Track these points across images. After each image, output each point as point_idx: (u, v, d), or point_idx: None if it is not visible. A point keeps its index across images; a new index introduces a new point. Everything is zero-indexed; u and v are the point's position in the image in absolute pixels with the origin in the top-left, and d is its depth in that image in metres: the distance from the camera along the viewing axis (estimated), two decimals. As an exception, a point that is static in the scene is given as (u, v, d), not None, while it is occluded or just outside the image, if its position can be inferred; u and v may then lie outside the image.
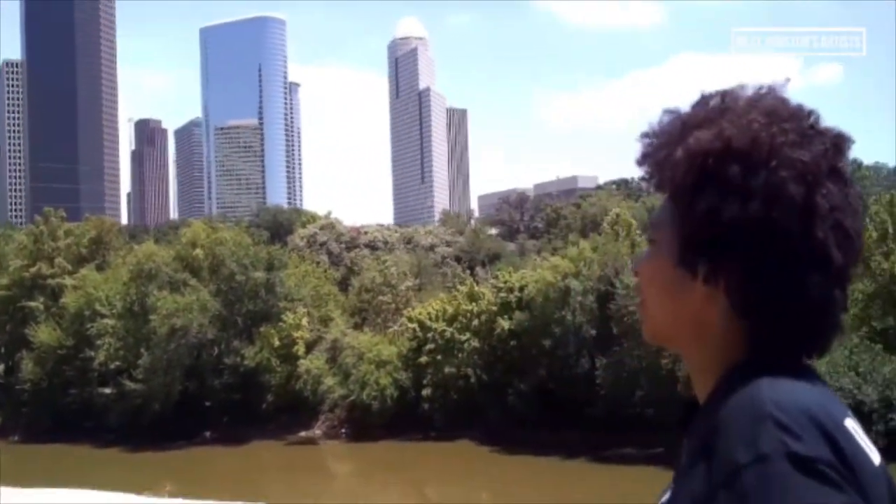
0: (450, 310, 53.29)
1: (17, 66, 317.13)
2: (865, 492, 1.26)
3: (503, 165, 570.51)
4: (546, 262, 55.39)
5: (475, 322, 52.11)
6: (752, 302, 1.42)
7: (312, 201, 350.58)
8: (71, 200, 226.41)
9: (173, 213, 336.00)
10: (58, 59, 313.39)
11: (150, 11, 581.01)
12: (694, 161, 1.45)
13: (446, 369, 51.07)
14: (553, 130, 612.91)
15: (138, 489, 38.69)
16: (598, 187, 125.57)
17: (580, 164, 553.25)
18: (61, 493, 36.04)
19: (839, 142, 1.47)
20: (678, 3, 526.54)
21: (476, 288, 55.07)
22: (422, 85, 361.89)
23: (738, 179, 1.40)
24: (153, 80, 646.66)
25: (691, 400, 1.56)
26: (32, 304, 62.43)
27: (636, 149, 1.62)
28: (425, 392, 51.38)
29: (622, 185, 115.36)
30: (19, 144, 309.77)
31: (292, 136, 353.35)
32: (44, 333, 59.03)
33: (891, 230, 43.70)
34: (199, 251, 59.20)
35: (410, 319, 54.14)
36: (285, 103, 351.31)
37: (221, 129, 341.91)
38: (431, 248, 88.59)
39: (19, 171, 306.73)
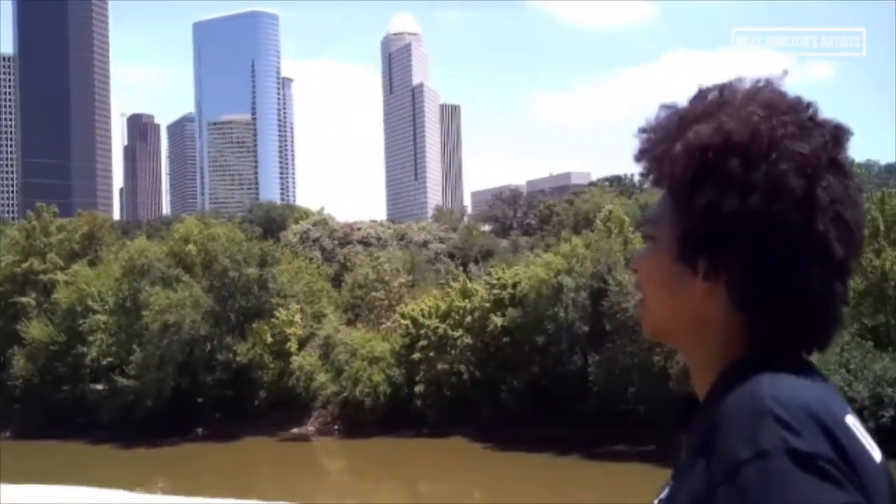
0: (443, 306, 53.28)
1: (9, 62, 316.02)
2: (866, 489, 1.26)
3: (496, 162, 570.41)
4: (539, 258, 55.43)
5: (468, 319, 52.12)
6: (753, 296, 1.42)
7: (305, 197, 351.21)
8: (63, 196, 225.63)
9: (166, 209, 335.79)
10: (50, 55, 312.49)
11: (142, 6, 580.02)
12: (693, 155, 1.44)
13: (439, 366, 51.07)
14: (546, 127, 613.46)
15: (130, 485, 38.62)
16: (591, 184, 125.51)
17: (573, 161, 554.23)
18: (53, 489, 35.92)
19: (838, 133, 1.47)
20: (671, 0, 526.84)
21: (469, 284, 55.07)
22: (415, 81, 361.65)
23: (738, 173, 1.40)
24: (146, 75, 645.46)
25: (690, 396, 1.55)
26: (24, 299, 62.19)
27: (633, 144, 1.61)
28: (418, 389, 51.38)
29: (615, 181, 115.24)
30: (11, 140, 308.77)
31: (285, 131, 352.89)
32: (35, 329, 58.83)
33: (882, 227, 43.83)
34: (191, 247, 59.09)
35: (403, 316, 54.12)
36: (278, 98, 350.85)
37: (214, 124, 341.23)
38: (424, 244, 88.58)
39: (11, 166, 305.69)
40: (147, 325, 54.33)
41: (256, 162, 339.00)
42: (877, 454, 1.35)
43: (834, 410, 1.33)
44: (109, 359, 55.48)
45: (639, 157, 1.60)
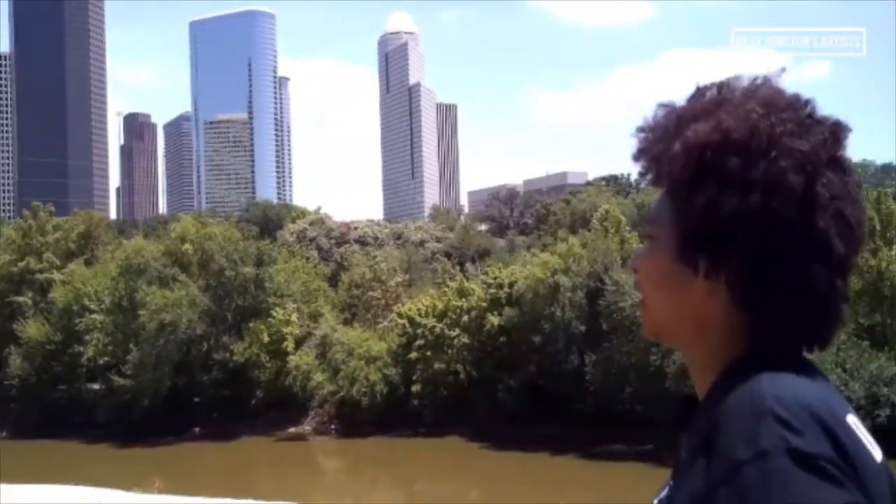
0: (439, 306, 53.28)
1: (5, 60, 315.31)
2: (867, 488, 1.25)
3: (493, 161, 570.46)
4: (535, 258, 55.46)
5: (465, 318, 52.12)
6: (754, 295, 1.41)
7: (302, 196, 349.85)
8: (59, 195, 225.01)
9: (162, 208, 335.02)
10: (46, 53, 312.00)
11: (139, 5, 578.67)
12: (692, 154, 1.44)
13: (436, 365, 51.07)
14: (543, 126, 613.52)
15: (127, 485, 38.56)
16: (588, 183, 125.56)
17: (571, 161, 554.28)
18: (50, 489, 35.90)
19: (837, 130, 1.46)
20: (670, 0, 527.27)
21: (466, 284, 55.07)
22: (412, 80, 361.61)
23: (737, 171, 1.39)
24: (142, 74, 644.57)
25: (690, 396, 1.55)
26: (20, 298, 62.14)
27: (631, 143, 1.60)
28: (415, 388, 51.38)
29: (612, 181, 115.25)
30: (7, 138, 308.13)
31: (282, 130, 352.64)
32: (32, 329, 58.77)
33: (878, 227, 43.91)
34: (188, 246, 59.04)
35: (400, 315, 54.12)
36: (275, 98, 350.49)
37: (211, 123, 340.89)
38: (421, 243, 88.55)
39: (7, 165, 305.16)
40: (143, 325, 54.28)
41: (253, 161, 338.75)
42: (877, 454, 1.34)
43: (835, 410, 1.32)
44: (106, 358, 55.44)
45: (637, 157, 1.59)
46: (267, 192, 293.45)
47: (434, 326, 51.95)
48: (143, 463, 46.65)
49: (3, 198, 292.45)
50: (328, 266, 74.76)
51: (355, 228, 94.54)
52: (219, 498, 36.04)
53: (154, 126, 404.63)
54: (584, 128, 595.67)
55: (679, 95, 1.58)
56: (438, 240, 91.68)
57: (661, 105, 1.58)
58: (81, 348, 56.04)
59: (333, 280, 67.92)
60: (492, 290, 52.37)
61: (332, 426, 53.97)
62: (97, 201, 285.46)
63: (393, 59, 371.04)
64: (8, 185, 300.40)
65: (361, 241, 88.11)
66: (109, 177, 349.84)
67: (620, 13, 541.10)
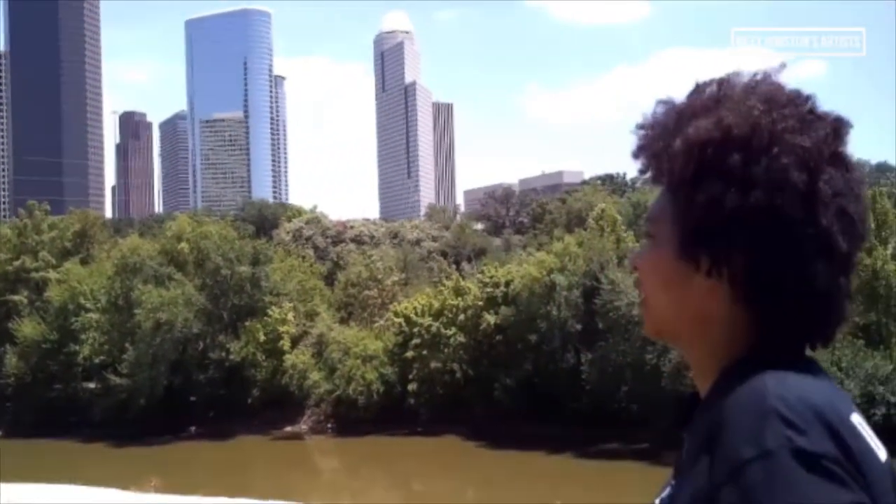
0: (436, 305, 53.28)
1: (0, 58, 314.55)
2: (871, 488, 1.24)
3: (489, 160, 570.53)
4: (531, 257, 55.44)
5: (461, 317, 52.12)
6: (757, 293, 1.40)
7: (298, 195, 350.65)
8: (55, 193, 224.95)
9: (158, 207, 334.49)
10: (42, 51, 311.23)
11: (134, 4, 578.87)
12: (693, 151, 1.43)
13: (432, 364, 51.08)
14: (540, 125, 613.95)
15: (124, 484, 38.51)
16: (584, 182, 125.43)
17: (567, 160, 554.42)
18: (46, 488, 35.83)
19: (839, 126, 1.45)
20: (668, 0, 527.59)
21: (462, 283, 55.10)
22: (408, 79, 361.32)
23: (739, 168, 1.38)
24: (138, 72, 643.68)
25: (691, 394, 1.54)
26: (16, 297, 62.06)
27: (631, 141, 1.59)
28: (411, 387, 51.38)
29: (607, 180, 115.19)
30: (2, 137, 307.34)
31: (277, 129, 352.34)
32: (28, 328, 58.68)
33: (872, 226, 43.99)
34: (184, 245, 58.98)
35: (396, 314, 54.10)
36: (270, 96, 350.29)
37: (206, 122, 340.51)
38: (417, 242, 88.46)
39: (2, 163, 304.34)
40: (139, 324, 54.23)
41: (249, 160, 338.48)
42: (882, 453, 1.33)
43: (839, 409, 1.31)
44: (102, 357, 55.38)
45: (637, 154, 1.58)
46: (263, 190, 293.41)
47: (430, 325, 51.94)
48: (140, 462, 46.56)
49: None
50: (324, 265, 74.69)
51: (351, 227, 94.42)
52: (215, 497, 36.00)
53: (150, 124, 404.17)
54: (582, 127, 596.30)
55: (677, 94, 1.57)
56: (434, 239, 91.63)
57: (661, 102, 1.57)
58: (77, 347, 55.96)
59: (329, 279, 67.85)
60: (488, 289, 52.36)
61: (329, 425, 53.96)
62: (93, 200, 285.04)
63: (389, 57, 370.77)
64: (3, 183, 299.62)
65: (357, 240, 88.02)
66: (105, 175, 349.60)
67: (618, 12, 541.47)
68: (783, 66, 1.51)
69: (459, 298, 53.00)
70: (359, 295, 60.29)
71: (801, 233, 1.37)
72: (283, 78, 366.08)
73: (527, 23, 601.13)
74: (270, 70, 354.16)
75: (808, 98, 1.47)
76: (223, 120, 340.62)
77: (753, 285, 1.40)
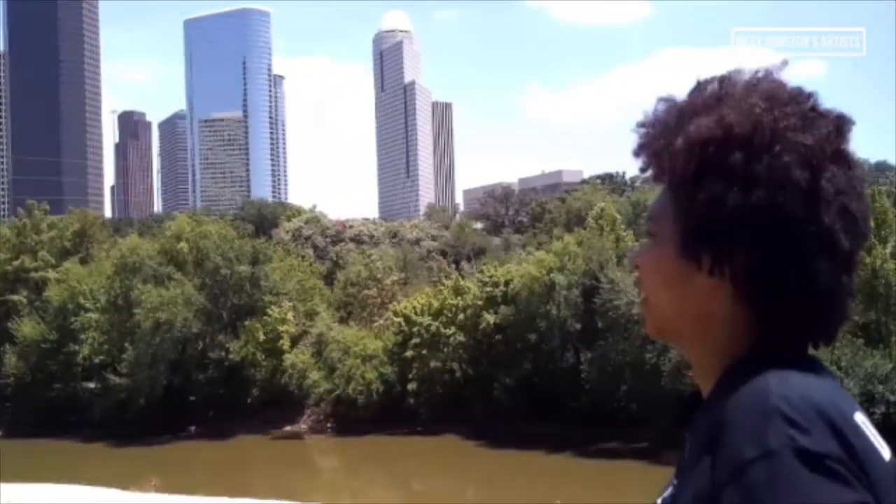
0: (435, 304, 53.28)
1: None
2: (875, 488, 1.23)
3: (488, 160, 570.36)
4: (531, 256, 55.45)
5: (460, 316, 52.12)
6: (759, 292, 1.39)
7: (297, 195, 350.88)
8: (54, 193, 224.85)
9: (157, 207, 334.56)
10: (41, 51, 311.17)
11: (133, 3, 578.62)
12: (694, 150, 1.42)
13: (432, 363, 51.08)
14: (540, 125, 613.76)
15: (124, 484, 38.52)
16: (583, 181, 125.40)
17: (567, 160, 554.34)
18: (46, 488, 35.82)
19: (841, 123, 1.44)
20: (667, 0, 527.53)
21: (461, 282, 55.10)
22: (407, 78, 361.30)
23: (741, 167, 1.37)
24: (137, 72, 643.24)
25: (693, 394, 1.53)
26: (15, 297, 62.06)
27: (632, 139, 1.58)
28: (411, 386, 51.39)
29: (607, 179, 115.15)
30: (1, 137, 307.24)
31: (277, 128, 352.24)
32: (27, 327, 58.67)
33: (873, 225, 43.97)
34: (183, 244, 58.99)
35: (396, 314, 54.10)
36: (270, 96, 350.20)
37: (205, 121, 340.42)
38: (417, 242, 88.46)
39: (1, 163, 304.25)
40: (139, 323, 54.23)
41: (248, 159, 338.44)
42: (886, 452, 1.32)
43: (843, 408, 1.30)
44: (101, 357, 55.39)
45: (638, 152, 1.57)
46: (262, 190, 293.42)
47: (430, 325, 51.94)
48: (140, 462, 46.57)
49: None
50: (324, 264, 74.70)
51: (351, 227, 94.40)
52: (215, 497, 36.00)
53: (149, 124, 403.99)
54: (581, 127, 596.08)
55: (678, 94, 1.56)
56: (434, 238, 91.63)
57: (662, 99, 1.56)
58: (77, 347, 55.97)
59: (329, 278, 67.87)
60: (487, 289, 52.36)
61: (329, 425, 53.96)
62: (92, 199, 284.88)
63: (388, 57, 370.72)
64: (2, 183, 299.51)
65: (357, 240, 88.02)
66: (104, 175, 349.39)
67: (618, 12, 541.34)
68: (785, 63, 1.50)
69: (459, 298, 53.00)
70: (358, 294, 60.29)
71: (803, 231, 1.36)
72: (282, 77, 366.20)
73: (527, 23, 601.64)
74: (269, 69, 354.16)
75: (809, 95, 1.46)
76: (222, 119, 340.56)
77: (756, 284, 1.39)
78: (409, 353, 51.83)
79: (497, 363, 50.50)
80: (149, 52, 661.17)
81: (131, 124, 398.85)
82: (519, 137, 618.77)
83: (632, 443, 41.45)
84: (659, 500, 1.49)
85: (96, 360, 55.30)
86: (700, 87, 1.52)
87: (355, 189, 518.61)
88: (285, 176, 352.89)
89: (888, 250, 44.23)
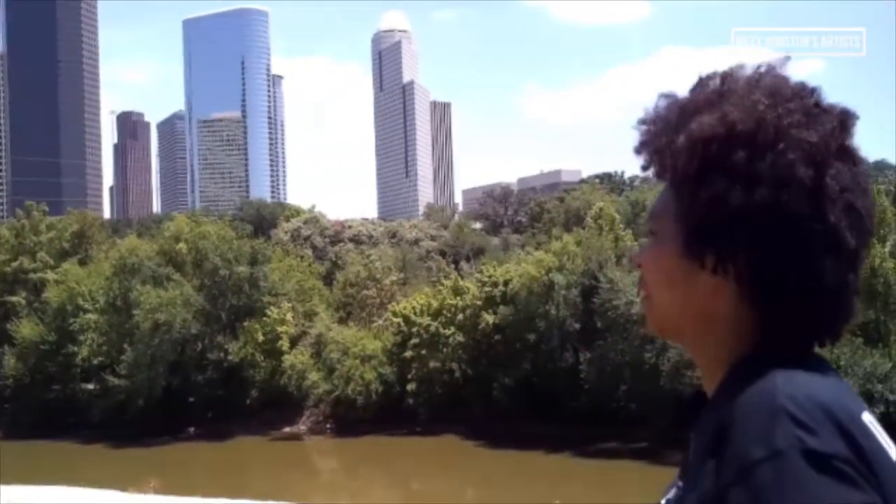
0: (434, 304, 53.26)
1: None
2: (883, 488, 1.22)
3: (487, 159, 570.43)
4: (530, 256, 55.44)
5: (460, 316, 52.10)
6: (763, 290, 1.37)
7: (296, 195, 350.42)
8: (53, 194, 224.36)
9: (156, 207, 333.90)
10: (39, 52, 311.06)
11: (132, 4, 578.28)
12: (697, 148, 1.40)
13: (431, 364, 51.06)
14: (539, 125, 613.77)
15: (123, 485, 38.43)
16: (582, 181, 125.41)
17: (566, 160, 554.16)
18: (45, 490, 35.77)
19: (845, 119, 1.42)
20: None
21: (460, 282, 55.08)
22: (406, 78, 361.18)
23: (743, 164, 1.35)
24: (135, 72, 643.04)
25: (697, 394, 1.51)
26: (14, 298, 62.00)
27: (633, 136, 1.57)
28: (410, 387, 51.37)
29: (605, 178, 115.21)
30: (0, 138, 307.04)
31: (275, 129, 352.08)
32: (26, 329, 58.61)
33: (872, 224, 43.98)
34: (182, 245, 58.96)
35: (395, 314, 54.07)
36: (268, 96, 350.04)
37: (204, 121, 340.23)
38: (416, 242, 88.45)
39: (0, 164, 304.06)
40: (138, 325, 54.18)
41: (247, 160, 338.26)
42: (894, 453, 1.31)
43: (850, 408, 1.29)
44: (100, 358, 55.35)
45: (639, 150, 1.55)
46: (261, 190, 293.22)
47: (429, 325, 51.92)
48: (138, 463, 46.51)
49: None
50: (323, 265, 74.67)
51: (349, 227, 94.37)
52: (214, 498, 35.92)
53: (147, 125, 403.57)
54: (581, 127, 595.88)
55: (676, 90, 1.54)
56: (433, 238, 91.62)
57: (663, 96, 1.54)
58: (76, 348, 55.92)
59: (328, 279, 67.83)
60: (486, 289, 52.34)
61: (328, 425, 53.92)
62: (90, 200, 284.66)
63: (386, 57, 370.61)
64: (1, 184, 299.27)
65: (356, 240, 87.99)
66: (103, 176, 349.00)
67: (618, 12, 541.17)
68: (787, 58, 1.48)
69: (458, 298, 52.98)
70: (357, 295, 60.26)
71: (808, 229, 1.34)
72: (280, 77, 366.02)
73: (526, 23, 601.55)
74: (268, 69, 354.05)
75: (813, 90, 1.44)
76: (221, 120, 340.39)
77: (760, 283, 1.37)
78: (408, 354, 51.80)
79: (496, 363, 50.49)
80: (147, 52, 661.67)
81: (130, 125, 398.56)
82: (518, 137, 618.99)
83: (631, 443, 41.43)
84: (662, 501, 1.48)
85: (95, 362, 55.27)
86: (702, 83, 1.50)
87: (354, 189, 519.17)
88: (284, 176, 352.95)
89: (887, 249, 44.23)
